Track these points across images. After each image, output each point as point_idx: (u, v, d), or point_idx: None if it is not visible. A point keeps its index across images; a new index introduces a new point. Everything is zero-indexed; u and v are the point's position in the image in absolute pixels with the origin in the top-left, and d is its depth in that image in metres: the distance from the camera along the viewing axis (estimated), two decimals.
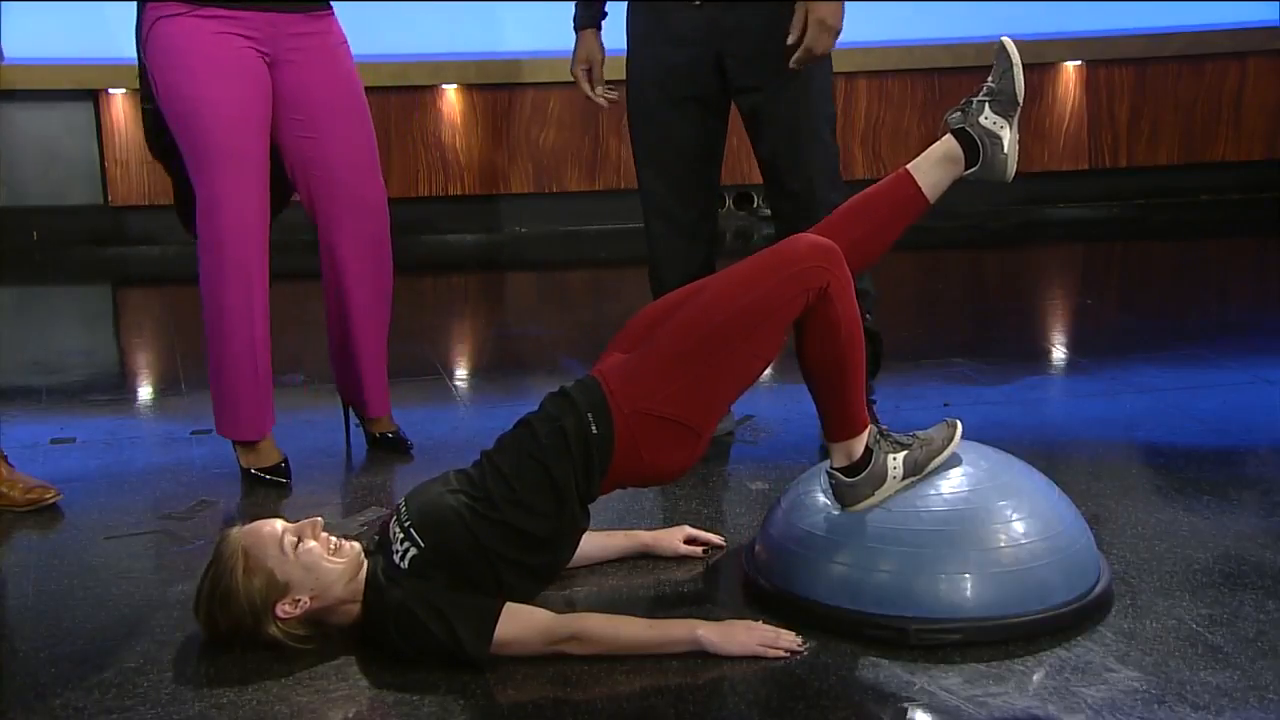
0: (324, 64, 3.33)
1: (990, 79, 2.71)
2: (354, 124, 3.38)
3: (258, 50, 3.24)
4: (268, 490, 3.38)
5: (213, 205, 3.25)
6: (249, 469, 3.41)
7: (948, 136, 2.70)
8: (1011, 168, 2.68)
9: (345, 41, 3.41)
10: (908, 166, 2.73)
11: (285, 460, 3.43)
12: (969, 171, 2.69)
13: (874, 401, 3.43)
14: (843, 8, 3.23)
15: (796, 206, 3.37)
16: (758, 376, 2.60)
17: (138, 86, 3.34)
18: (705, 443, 2.57)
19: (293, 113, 3.30)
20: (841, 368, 2.57)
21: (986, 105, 2.68)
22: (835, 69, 3.48)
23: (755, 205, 6.33)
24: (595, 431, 2.49)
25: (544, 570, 2.55)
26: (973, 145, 2.67)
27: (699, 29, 3.33)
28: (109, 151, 5.94)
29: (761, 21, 3.29)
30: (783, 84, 3.32)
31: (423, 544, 2.46)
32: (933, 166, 2.71)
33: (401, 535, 2.48)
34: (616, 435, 2.49)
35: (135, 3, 3.26)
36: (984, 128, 2.67)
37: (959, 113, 2.70)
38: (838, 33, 3.24)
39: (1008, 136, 2.68)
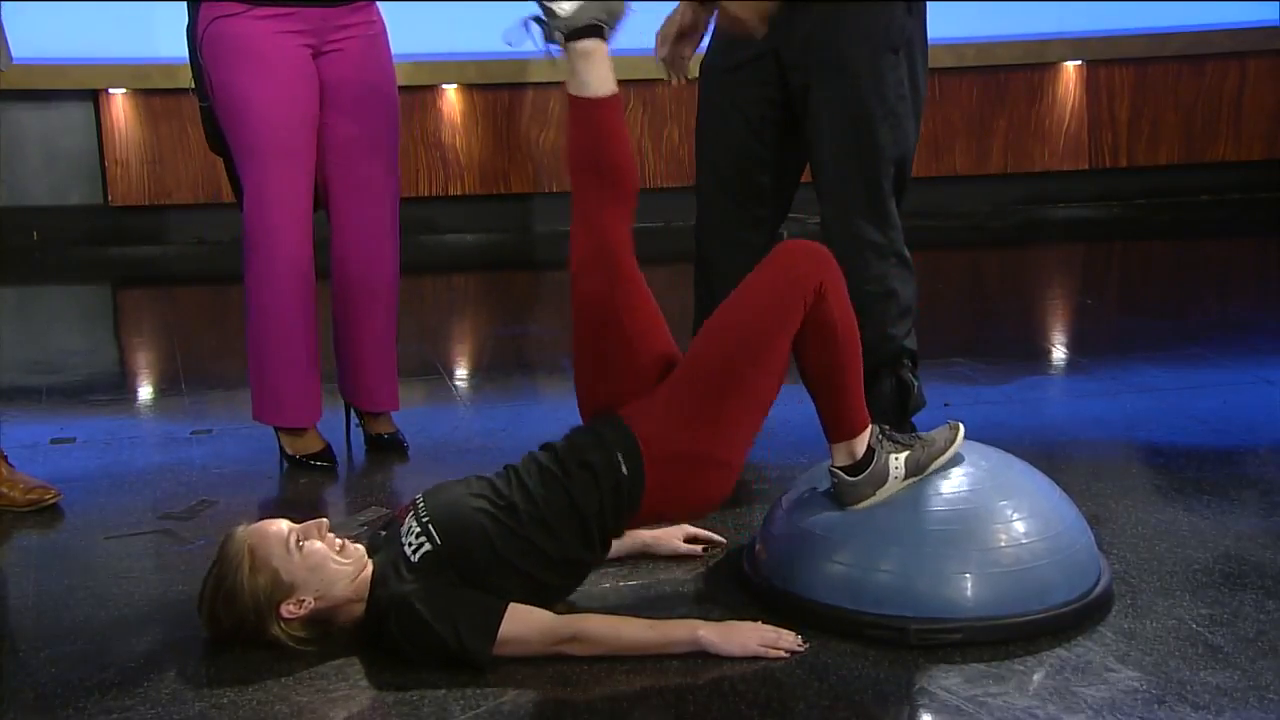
0: (362, 54, 3.39)
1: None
2: (378, 115, 3.43)
3: (307, 45, 3.31)
4: (313, 476, 3.42)
5: (259, 199, 3.31)
6: (296, 455, 3.47)
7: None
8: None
9: (384, 31, 3.46)
10: None
11: (329, 446, 3.50)
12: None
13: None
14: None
15: (829, 229, 3.20)
16: (775, 394, 2.59)
17: (193, 86, 3.39)
18: (736, 472, 2.58)
19: (324, 99, 3.36)
20: (840, 368, 2.58)
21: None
22: None
23: None
24: (625, 473, 2.50)
25: (550, 590, 2.53)
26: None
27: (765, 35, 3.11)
28: (109, 151, 5.94)
29: (819, 26, 3.10)
30: (822, 105, 3.13)
31: (440, 541, 2.46)
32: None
33: (418, 530, 2.49)
34: (647, 477, 2.50)
35: (186, 3, 3.33)
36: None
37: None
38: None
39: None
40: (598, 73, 2.56)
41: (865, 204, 3.16)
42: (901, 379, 3.27)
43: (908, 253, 3.25)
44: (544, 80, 6.10)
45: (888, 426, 2.67)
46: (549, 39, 2.58)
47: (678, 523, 2.86)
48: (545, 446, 2.60)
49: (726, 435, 2.53)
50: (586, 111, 2.58)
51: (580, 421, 2.65)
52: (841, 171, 3.16)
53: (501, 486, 2.53)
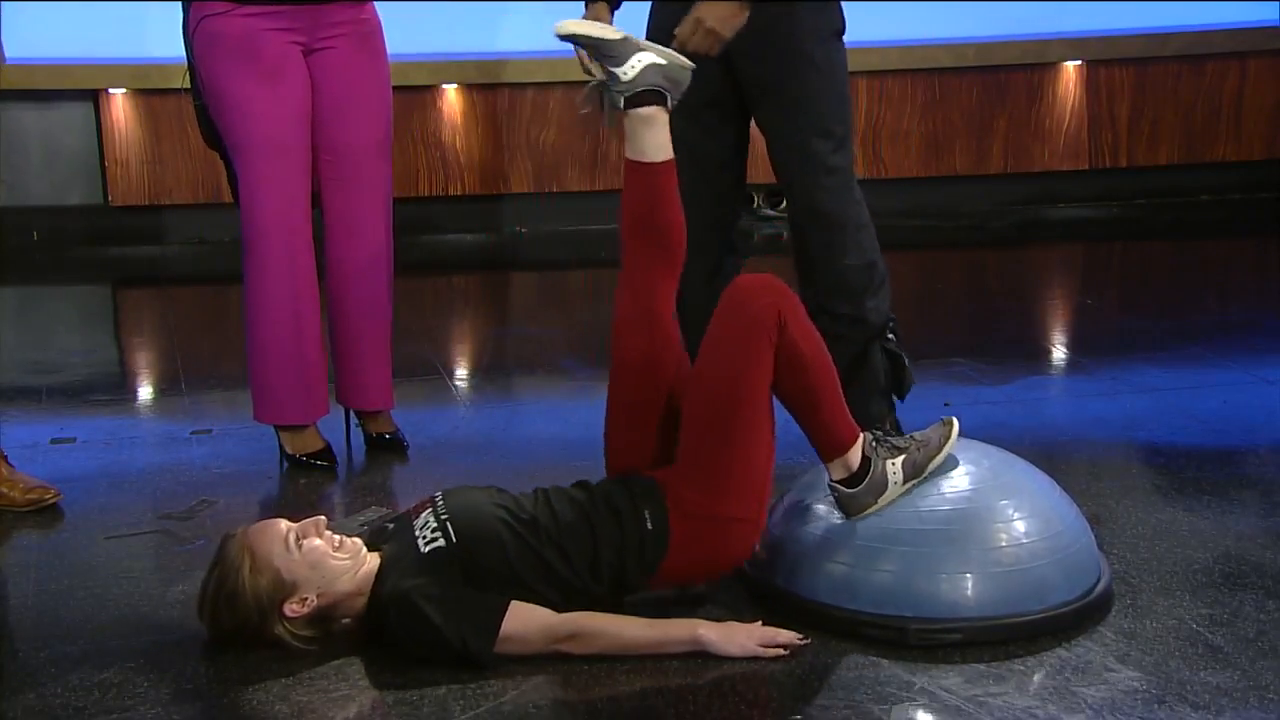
0: (354, 52, 3.39)
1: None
2: (370, 114, 3.43)
3: (297, 42, 3.31)
4: (313, 476, 3.43)
5: (254, 196, 3.32)
6: (296, 455, 3.47)
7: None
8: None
9: (379, 30, 3.47)
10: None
11: (329, 445, 3.49)
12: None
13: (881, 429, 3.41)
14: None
15: (800, 211, 3.31)
16: (773, 438, 2.60)
17: (188, 85, 3.40)
18: (760, 524, 2.59)
19: (317, 97, 3.36)
20: (817, 388, 2.59)
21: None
22: None
23: (755, 205, 6.32)
24: (650, 528, 2.52)
25: (554, 604, 2.53)
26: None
27: None
28: (109, 151, 5.94)
29: (766, 22, 3.16)
30: (781, 89, 3.24)
31: (454, 540, 2.47)
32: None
33: (435, 525, 2.50)
34: (671, 538, 2.52)
35: (180, 2, 3.34)
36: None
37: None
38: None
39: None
40: (656, 139, 2.64)
41: (833, 183, 3.25)
42: (889, 352, 3.33)
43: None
44: (544, 80, 6.10)
45: (879, 432, 2.67)
46: (611, 103, 2.63)
47: (712, 580, 2.76)
48: (578, 483, 2.63)
49: (735, 490, 2.55)
50: (644, 176, 2.65)
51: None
52: (808, 156, 3.24)
53: (526, 503, 2.56)
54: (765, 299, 2.54)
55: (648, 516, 2.53)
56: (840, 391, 2.62)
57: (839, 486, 2.61)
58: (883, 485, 2.59)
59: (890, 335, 3.34)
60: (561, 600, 2.51)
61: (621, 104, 2.62)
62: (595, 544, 2.51)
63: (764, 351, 2.52)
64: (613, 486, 2.61)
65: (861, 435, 2.62)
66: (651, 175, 2.65)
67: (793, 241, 3.37)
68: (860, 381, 3.24)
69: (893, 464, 2.60)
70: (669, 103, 2.65)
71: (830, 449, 2.61)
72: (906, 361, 3.35)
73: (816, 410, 2.60)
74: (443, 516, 2.51)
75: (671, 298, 2.70)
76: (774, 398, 2.60)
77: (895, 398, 3.37)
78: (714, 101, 3.27)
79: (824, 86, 3.23)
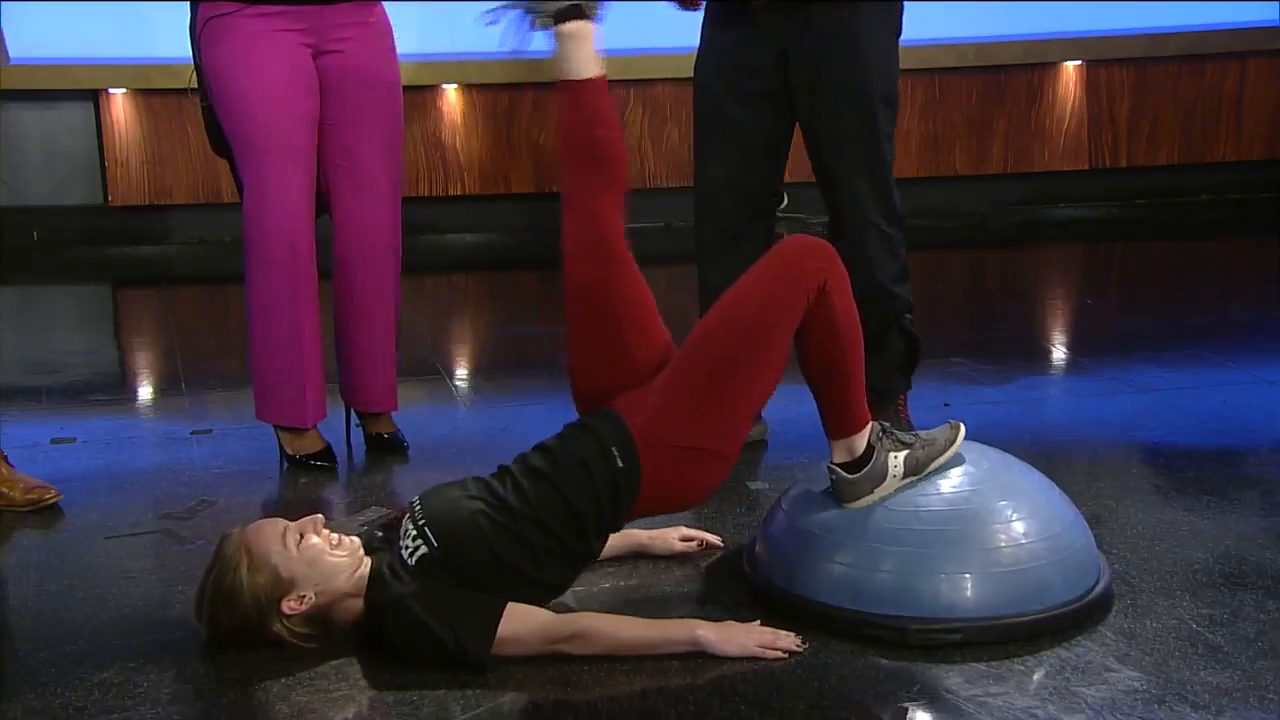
0: (364, 54, 3.40)
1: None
2: (380, 116, 3.43)
3: (305, 44, 3.32)
4: (313, 476, 3.43)
5: (259, 193, 3.32)
6: (296, 455, 3.47)
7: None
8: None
9: (389, 31, 3.47)
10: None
11: (329, 446, 3.50)
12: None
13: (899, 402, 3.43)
14: None
15: (837, 220, 3.37)
16: (773, 388, 2.59)
17: (195, 86, 3.40)
18: (732, 463, 2.57)
19: (326, 99, 3.36)
20: (842, 364, 2.57)
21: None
22: None
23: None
24: (621, 465, 2.48)
25: (551, 588, 2.54)
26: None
27: (764, 28, 3.27)
28: (109, 151, 5.94)
29: (823, 27, 3.24)
30: (836, 92, 3.28)
31: (435, 544, 2.46)
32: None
33: (414, 533, 2.48)
34: (643, 469, 2.48)
35: (188, 3, 3.34)
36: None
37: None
38: None
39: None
40: (583, 54, 2.57)
41: (880, 178, 3.33)
42: (906, 331, 3.43)
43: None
44: (544, 80, 6.10)
45: (888, 425, 2.67)
46: (533, 25, 2.57)
47: (674, 513, 2.85)
48: (539, 446, 2.59)
49: (722, 426, 2.52)
50: (574, 94, 2.59)
51: (575, 416, 2.65)
52: (866, 156, 3.31)
53: (497, 487, 2.53)
54: (816, 261, 2.53)
55: (616, 454, 2.49)
56: (863, 375, 2.62)
57: (839, 470, 2.61)
58: (881, 476, 2.59)
59: (907, 316, 3.44)
60: (559, 575, 2.51)
61: (550, 25, 2.55)
62: (570, 505, 2.47)
63: (797, 304, 2.50)
64: (573, 433, 2.56)
65: (870, 423, 2.62)
66: (582, 92, 2.58)
67: (830, 231, 3.41)
68: (880, 356, 3.31)
69: (895, 457, 2.60)
70: (592, 15, 2.58)
71: (839, 428, 2.61)
72: (919, 342, 3.46)
73: (837, 384, 2.59)
74: (420, 522, 2.49)
75: (618, 219, 2.62)
76: (792, 362, 2.59)
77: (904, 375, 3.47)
78: (768, 93, 3.34)
79: (884, 88, 3.31)
